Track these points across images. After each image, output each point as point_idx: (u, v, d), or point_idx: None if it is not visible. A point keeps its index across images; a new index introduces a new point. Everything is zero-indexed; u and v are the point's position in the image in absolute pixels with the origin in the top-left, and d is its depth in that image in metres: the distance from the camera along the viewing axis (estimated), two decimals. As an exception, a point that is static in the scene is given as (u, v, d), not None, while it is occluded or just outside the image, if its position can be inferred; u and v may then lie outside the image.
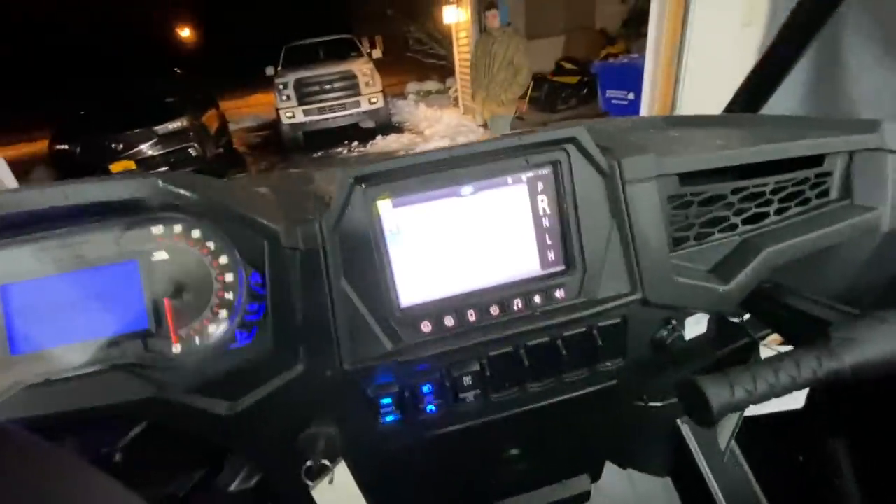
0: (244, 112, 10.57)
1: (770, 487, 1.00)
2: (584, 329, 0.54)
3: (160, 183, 0.40)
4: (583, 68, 5.68)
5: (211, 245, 0.47)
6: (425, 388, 0.52)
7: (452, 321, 0.51)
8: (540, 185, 0.53)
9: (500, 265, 0.53)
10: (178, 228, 0.46)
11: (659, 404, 0.84)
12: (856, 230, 0.64)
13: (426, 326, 0.51)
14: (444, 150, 0.49)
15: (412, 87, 9.31)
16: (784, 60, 0.83)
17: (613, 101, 4.43)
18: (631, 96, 4.20)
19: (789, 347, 0.78)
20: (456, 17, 6.10)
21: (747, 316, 0.71)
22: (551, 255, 0.54)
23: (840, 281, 0.72)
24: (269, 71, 6.60)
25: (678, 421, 1.07)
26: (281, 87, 6.04)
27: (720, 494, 0.99)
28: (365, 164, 0.48)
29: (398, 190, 0.50)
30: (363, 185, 0.48)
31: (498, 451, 0.63)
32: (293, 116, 6.08)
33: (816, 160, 0.66)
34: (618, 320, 0.55)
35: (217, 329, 0.46)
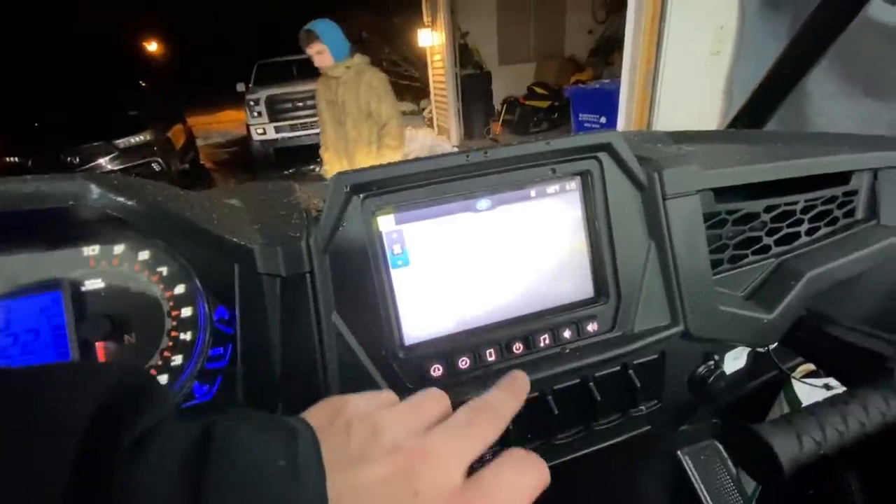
0: (213, 128, 10.27)
1: (779, 524, 0.94)
2: (618, 368, 0.46)
3: (94, 187, 0.30)
4: (554, 93, 5.81)
5: (163, 270, 0.36)
6: None
7: (468, 362, 0.42)
8: (568, 199, 0.45)
9: (522, 294, 0.44)
10: (119, 249, 0.36)
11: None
12: (886, 253, 0.60)
13: (436, 370, 0.41)
14: (459, 155, 0.41)
15: (386, 107, 9.29)
16: (789, 77, 0.81)
17: (586, 124, 4.52)
18: (603, 119, 4.29)
19: (820, 380, 0.72)
20: (430, 40, 6.15)
21: (773, 346, 0.65)
22: (581, 282, 0.46)
23: (867, 307, 0.68)
24: (240, 87, 6.47)
25: (679, 453, 1.00)
26: (252, 103, 5.91)
27: (725, 531, 0.92)
28: (362, 170, 0.39)
29: (402, 202, 0.41)
30: (361, 196, 0.39)
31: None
32: (264, 133, 5.94)
33: (843, 178, 0.62)
34: (655, 356, 0.47)
35: (168, 381, 0.36)
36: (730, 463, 0.93)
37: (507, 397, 0.29)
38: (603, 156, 0.44)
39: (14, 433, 0.15)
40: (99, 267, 0.35)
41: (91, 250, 0.35)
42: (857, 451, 0.44)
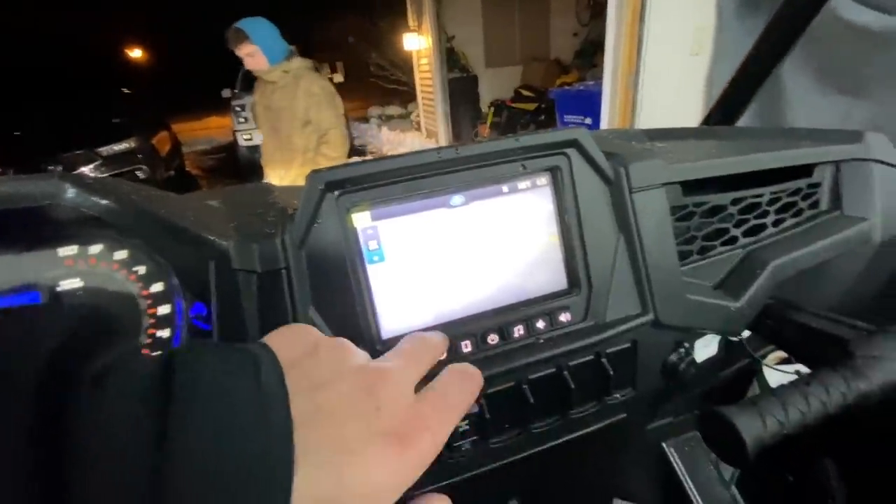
0: (199, 134, 10.19)
1: (761, 510, 0.96)
2: (591, 357, 0.48)
3: (69, 187, 0.30)
4: (540, 95, 5.87)
5: (140, 269, 0.37)
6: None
7: (444, 354, 0.43)
8: (539, 195, 0.46)
9: (496, 287, 0.46)
10: (96, 249, 0.36)
11: (647, 427, 0.79)
12: (849, 242, 0.62)
13: (413, 362, 0.42)
14: (431, 152, 0.42)
15: (374, 111, 9.32)
16: (758, 74, 0.83)
17: (571, 126, 4.56)
18: (588, 120, 4.34)
19: (792, 367, 0.75)
20: (417, 44, 6.18)
21: (745, 335, 0.67)
22: (553, 274, 0.47)
23: (831, 294, 0.70)
24: (226, 93, 6.42)
25: (664, 444, 1.02)
26: (238, 108, 5.88)
27: (709, 519, 0.94)
28: (336, 168, 0.40)
29: (377, 199, 0.42)
30: (336, 193, 0.40)
31: (498, 503, 0.54)
32: (251, 139, 5.90)
33: (806, 171, 0.65)
34: (627, 345, 0.49)
35: (146, 377, 0.36)
36: (712, 453, 0.95)
37: (438, 335, 0.33)
38: (571, 151, 0.46)
39: None
40: (76, 267, 0.36)
41: (68, 250, 0.36)
42: (820, 431, 0.46)
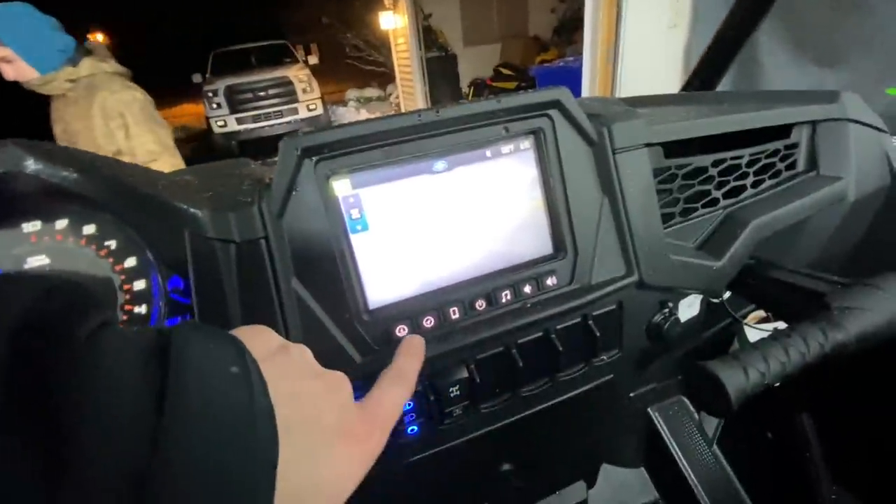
0: (171, 122, 9.82)
1: (742, 467, 1.00)
2: (578, 319, 0.48)
3: (25, 154, 0.29)
4: (520, 73, 5.81)
5: (112, 244, 0.35)
6: (405, 406, 0.43)
7: (432, 321, 0.43)
8: (523, 158, 0.46)
9: (483, 253, 0.45)
10: (62, 223, 0.34)
11: (633, 394, 0.81)
12: (825, 201, 0.64)
13: (401, 330, 0.42)
14: (411, 115, 0.41)
15: (352, 93, 9.11)
16: (735, 39, 0.83)
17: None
18: (569, 98, 4.36)
19: (770, 325, 0.77)
20: (393, 23, 6.03)
21: (726, 295, 0.69)
22: (539, 239, 0.47)
23: (809, 252, 0.72)
24: (197, 78, 6.22)
25: (649, 409, 1.05)
26: (210, 94, 5.68)
27: (694, 479, 0.97)
28: (312, 132, 0.38)
29: (358, 165, 0.41)
30: (313, 160, 0.39)
31: (487, 468, 0.55)
32: (225, 125, 5.73)
33: (784, 132, 0.66)
34: (613, 307, 0.49)
35: (125, 354, 0.35)
36: (696, 415, 0.98)
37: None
38: (554, 113, 0.45)
39: None
40: (42, 243, 0.34)
41: (32, 226, 0.34)
42: (799, 384, 0.47)
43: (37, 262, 0.34)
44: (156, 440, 0.16)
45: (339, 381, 0.27)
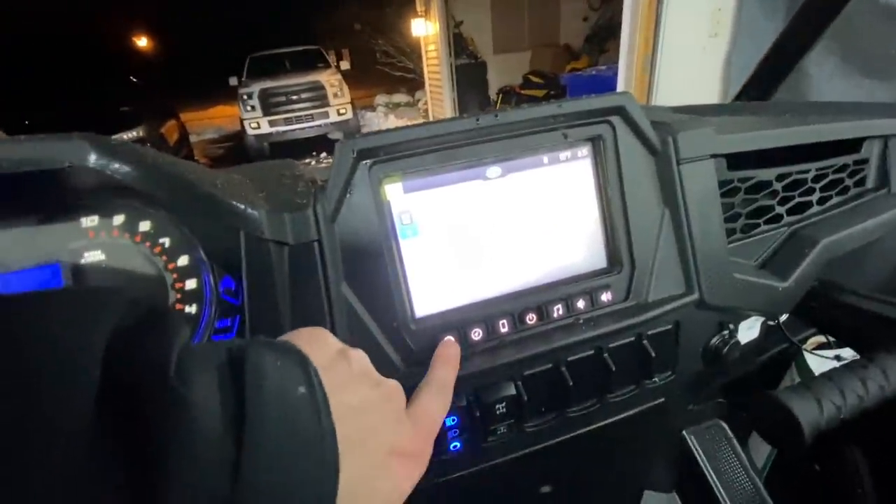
0: (206, 123, 10.19)
1: (785, 499, 0.94)
2: (632, 338, 0.45)
3: (91, 147, 0.28)
4: (550, 81, 5.77)
5: (166, 241, 0.35)
6: (449, 421, 0.41)
7: (481, 333, 0.41)
8: (580, 166, 0.44)
9: (534, 264, 0.43)
10: (119, 219, 0.34)
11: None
12: (898, 221, 0.59)
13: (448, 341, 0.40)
14: (469, 119, 0.39)
15: (381, 98, 9.24)
16: (797, 48, 0.79)
17: (583, 113, 4.50)
18: (600, 107, 4.29)
19: (832, 352, 0.72)
20: (424, 30, 6.08)
21: (783, 318, 0.64)
22: (594, 251, 0.45)
23: (877, 275, 0.67)
24: (233, 81, 6.39)
25: (684, 432, 1.00)
26: (245, 97, 5.85)
27: (731, 507, 0.92)
28: (368, 135, 0.37)
29: (410, 170, 0.39)
30: (368, 163, 0.38)
31: (529, 489, 0.53)
32: (258, 127, 5.88)
33: (853, 146, 0.61)
34: (670, 326, 0.47)
35: (174, 354, 0.34)
36: (734, 441, 0.93)
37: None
38: (616, 120, 0.43)
39: (28, 360, 0.14)
40: (98, 238, 0.34)
41: (90, 221, 0.34)
42: (875, 417, 0.43)
43: (93, 257, 0.34)
44: (238, 465, 0.16)
45: (395, 392, 0.27)
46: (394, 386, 0.27)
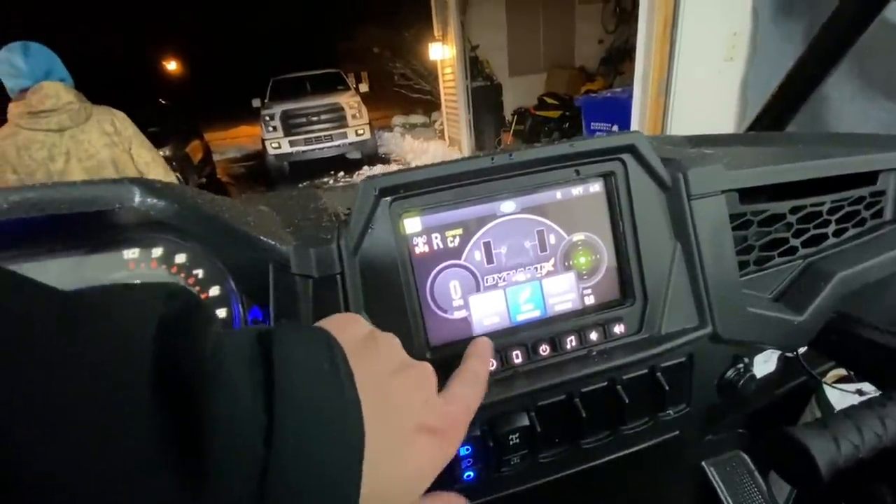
0: (229, 143, 10.52)
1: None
2: (646, 371, 0.46)
3: (136, 190, 0.31)
4: (564, 103, 5.82)
5: (199, 273, 0.37)
6: (463, 451, 0.42)
7: (494, 364, 0.42)
8: (593, 202, 0.45)
9: (548, 296, 0.44)
10: (157, 252, 0.37)
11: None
12: (919, 254, 0.59)
13: (463, 371, 0.41)
14: (484, 158, 0.41)
15: (398, 119, 9.44)
16: (811, 78, 0.80)
17: (598, 133, 4.50)
18: (615, 128, 4.29)
19: (854, 386, 0.70)
20: (442, 53, 6.24)
21: (801, 350, 0.64)
22: (608, 284, 0.46)
23: (893, 309, 0.66)
24: (256, 103, 6.62)
25: (704, 463, 0.98)
26: (267, 118, 6.04)
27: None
28: (389, 174, 0.39)
29: (428, 206, 0.41)
30: (388, 199, 0.40)
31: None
32: (279, 147, 6.05)
33: (869, 178, 0.61)
34: (683, 359, 0.47)
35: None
36: (756, 474, 0.90)
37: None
38: (627, 157, 0.44)
39: (93, 342, 0.16)
40: (138, 269, 0.36)
41: (131, 253, 0.36)
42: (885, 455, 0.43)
43: (132, 287, 0.36)
44: (271, 430, 0.17)
45: (425, 373, 0.27)
46: (424, 368, 0.27)
